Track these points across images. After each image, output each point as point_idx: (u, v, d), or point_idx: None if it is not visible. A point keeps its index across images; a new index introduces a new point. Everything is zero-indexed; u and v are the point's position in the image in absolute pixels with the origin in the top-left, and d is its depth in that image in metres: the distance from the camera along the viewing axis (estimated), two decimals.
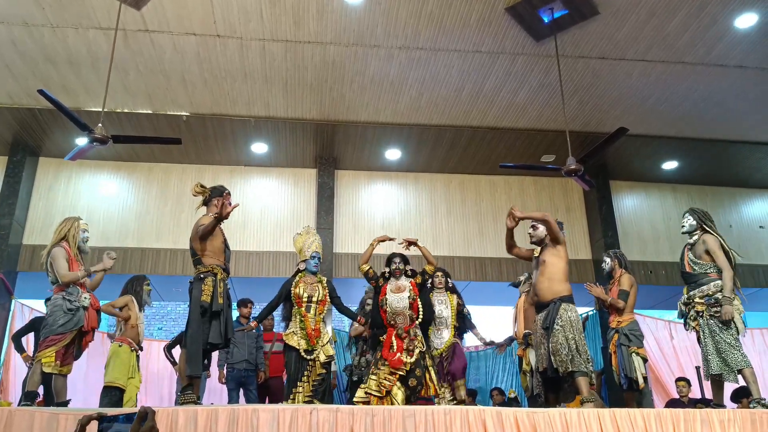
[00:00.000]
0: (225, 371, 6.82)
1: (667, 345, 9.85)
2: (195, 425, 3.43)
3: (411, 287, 5.25)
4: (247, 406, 3.73)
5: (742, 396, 6.60)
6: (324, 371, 5.19)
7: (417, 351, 4.96)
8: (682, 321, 5.06)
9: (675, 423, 3.97)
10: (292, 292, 5.30)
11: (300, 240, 5.59)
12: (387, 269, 5.36)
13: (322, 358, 5.17)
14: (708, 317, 4.75)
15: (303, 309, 5.22)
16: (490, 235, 10.11)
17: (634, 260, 10.07)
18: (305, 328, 5.15)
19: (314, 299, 5.27)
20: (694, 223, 5.06)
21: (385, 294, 5.21)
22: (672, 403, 7.65)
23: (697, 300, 4.84)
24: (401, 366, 4.86)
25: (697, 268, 4.93)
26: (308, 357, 5.11)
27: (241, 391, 6.75)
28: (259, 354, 6.78)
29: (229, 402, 6.69)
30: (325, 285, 5.46)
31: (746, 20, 6.82)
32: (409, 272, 5.37)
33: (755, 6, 6.61)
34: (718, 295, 4.73)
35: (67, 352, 4.77)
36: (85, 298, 4.84)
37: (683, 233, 5.12)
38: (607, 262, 6.29)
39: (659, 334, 10.08)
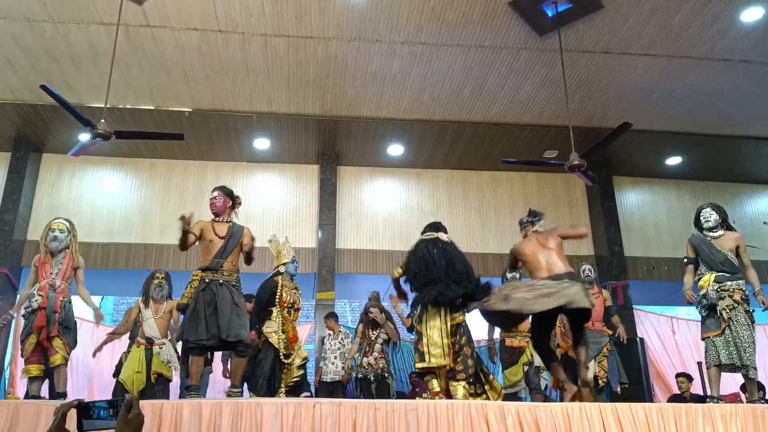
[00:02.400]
0: (228, 366, 6.86)
1: (669, 340, 9.88)
2: (199, 419, 3.45)
3: None
4: (251, 400, 3.74)
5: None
6: (302, 372, 5.56)
7: None
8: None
9: (677, 418, 3.98)
10: (278, 294, 5.49)
11: (275, 245, 5.78)
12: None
13: (298, 362, 5.50)
14: (744, 311, 4.83)
15: (285, 313, 5.47)
16: (492, 231, 10.11)
17: (637, 256, 10.07)
18: (287, 332, 5.39)
19: (294, 306, 5.60)
20: (719, 218, 5.13)
21: None
22: (674, 399, 7.65)
23: (735, 288, 4.89)
24: None
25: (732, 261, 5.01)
26: (286, 361, 5.36)
27: (245, 386, 6.77)
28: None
29: None
30: (299, 294, 5.80)
31: (752, 14, 6.79)
32: None
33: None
34: (746, 291, 4.93)
35: (37, 351, 4.87)
36: (35, 300, 4.87)
37: (709, 228, 5.12)
38: (592, 275, 6.68)
39: (661, 329, 10.10)
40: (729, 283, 4.91)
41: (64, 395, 4.96)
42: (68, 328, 4.97)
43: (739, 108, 8.62)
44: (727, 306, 4.85)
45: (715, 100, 8.43)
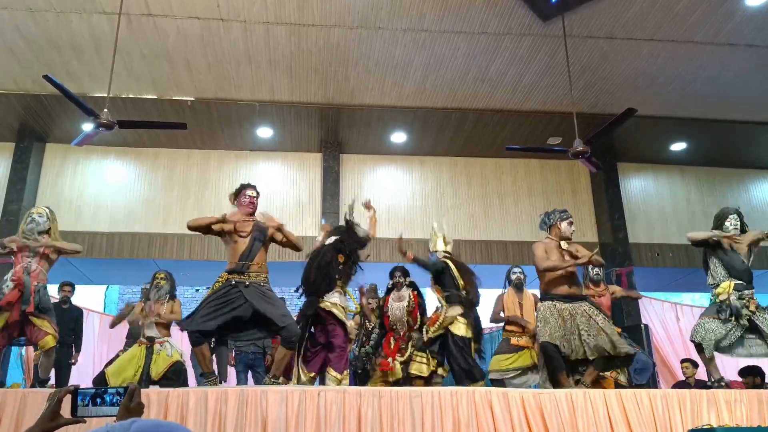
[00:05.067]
0: (234, 354, 6.90)
1: (673, 327, 9.88)
2: (205, 406, 3.48)
3: (411, 297, 5.88)
4: (256, 388, 3.77)
5: (748, 373, 6.70)
6: None
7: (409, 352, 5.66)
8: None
9: (681, 404, 3.99)
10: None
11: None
12: (390, 282, 6.00)
13: None
14: (765, 313, 4.91)
15: None
16: (495, 218, 10.10)
17: (641, 243, 10.05)
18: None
19: None
20: (739, 224, 5.14)
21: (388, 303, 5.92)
22: (679, 385, 7.66)
23: (749, 298, 4.93)
24: (388, 370, 5.53)
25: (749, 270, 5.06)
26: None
27: (250, 373, 6.83)
28: (266, 338, 6.83)
29: (238, 384, 6.76)
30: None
31: None
32: (408, 283, 5.98)
33: None
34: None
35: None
36: (6, 286, 4.72)
37: (733, 235, 5.12)
38: (601, 273, 6.51)
39: (665, 316, 10.11)
40: (746, 292, 4.94)
41: (46, 382, 4.84)
42: (46, 310, 4.78)
43: (744, 93, 8.55)
44: (747, 319, 4.87)
45: (721, 85, 8.36)
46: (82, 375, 8.57)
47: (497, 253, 9.74)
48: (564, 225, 4.93)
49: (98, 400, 1.57)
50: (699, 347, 4.94)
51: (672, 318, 10.07)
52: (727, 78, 8.21)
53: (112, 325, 6.92)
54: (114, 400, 1.56)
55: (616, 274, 8.99)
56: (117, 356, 6.45)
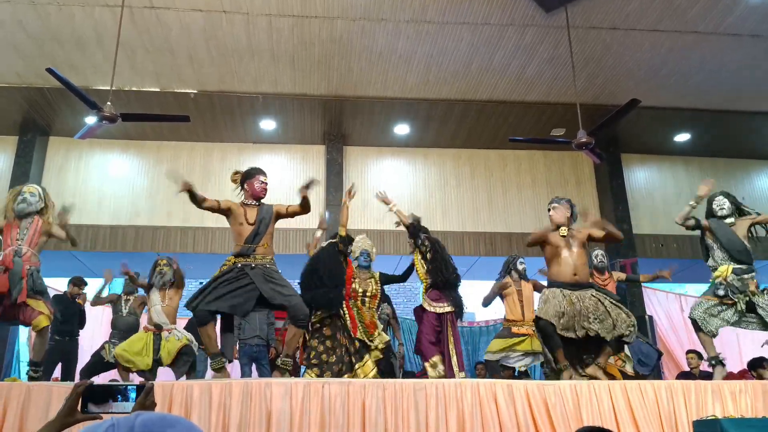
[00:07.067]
0: (237, 347, 6.91)
1: (677, 318, 9.88)
2: (209, 398, 3.49)
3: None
4: (261, 380, 3.78)
5: (758, 365, 6.71)
6: (382, 355, 5.65)
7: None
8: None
9: (686, 395, 3.99)
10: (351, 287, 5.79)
11: (354, 245, 6.15)
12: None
13: (381, 345, 5.58)
14: (764, 295, 4.87)
15: (359, 302, 5.67)
16: (499, 210, 10.08)
17: (645, 234, 10.03)
18: (363, 321, 5.53)
19: (368, 294, 5.78)
20: (732, 206, 5.11)
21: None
22: (683, 376, 7.67)
23: (749, 280, 4.90)
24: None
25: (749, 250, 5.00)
26: (371, 345, 5.49)
27: (254, 366, 6.84)
28: (270, 330, 6.85)
29: (242, 376, 6.78)
30: (378, 280, 5.96)
31: None
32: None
33: None
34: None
35: None
36: None
37: (723, 216, 5.09)
38: (605, 261, 6.55)
39: (669, 306, 10.11)
40: (745, 275, 4.90)
41: (39, 365, 4.65)
42: (41, 293, 4.55)
43: (748, 83, 8.50)
44: (745, 301, 4.83)
45: (724, 75, 8.31)
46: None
47: (501, 244, 9.74)
48: (550, 213, 4.99)
49: (117, 396, 1.56)
50: (696, 324, 4.93)
51: (676, 309, 10.07)
52: (731, 68, 8.15)
53: (93, 304, 7.02)
54: (129, 397, 1.55)
55: (620, 265, 8.98)
56: (102, 347, 6.47)
